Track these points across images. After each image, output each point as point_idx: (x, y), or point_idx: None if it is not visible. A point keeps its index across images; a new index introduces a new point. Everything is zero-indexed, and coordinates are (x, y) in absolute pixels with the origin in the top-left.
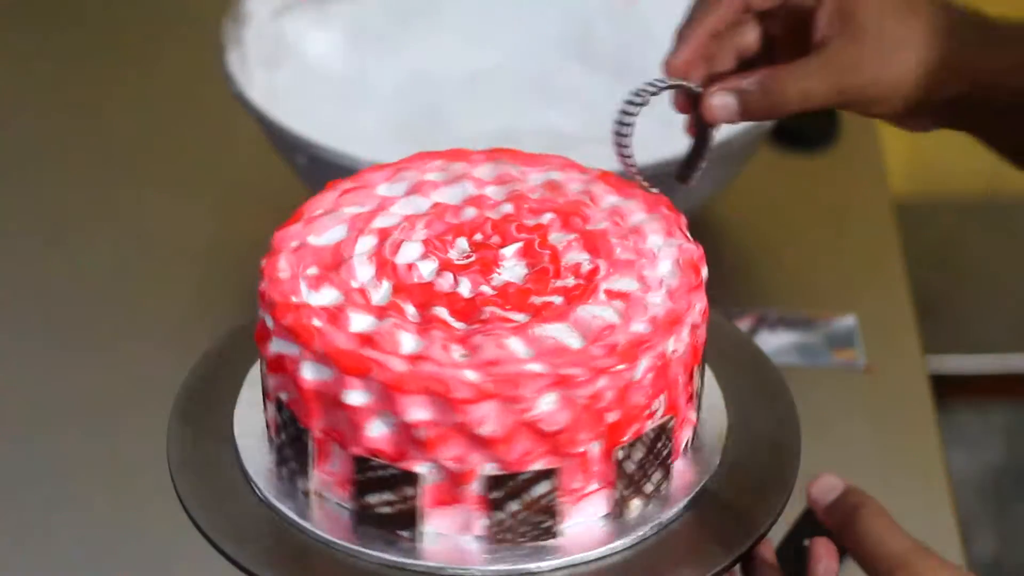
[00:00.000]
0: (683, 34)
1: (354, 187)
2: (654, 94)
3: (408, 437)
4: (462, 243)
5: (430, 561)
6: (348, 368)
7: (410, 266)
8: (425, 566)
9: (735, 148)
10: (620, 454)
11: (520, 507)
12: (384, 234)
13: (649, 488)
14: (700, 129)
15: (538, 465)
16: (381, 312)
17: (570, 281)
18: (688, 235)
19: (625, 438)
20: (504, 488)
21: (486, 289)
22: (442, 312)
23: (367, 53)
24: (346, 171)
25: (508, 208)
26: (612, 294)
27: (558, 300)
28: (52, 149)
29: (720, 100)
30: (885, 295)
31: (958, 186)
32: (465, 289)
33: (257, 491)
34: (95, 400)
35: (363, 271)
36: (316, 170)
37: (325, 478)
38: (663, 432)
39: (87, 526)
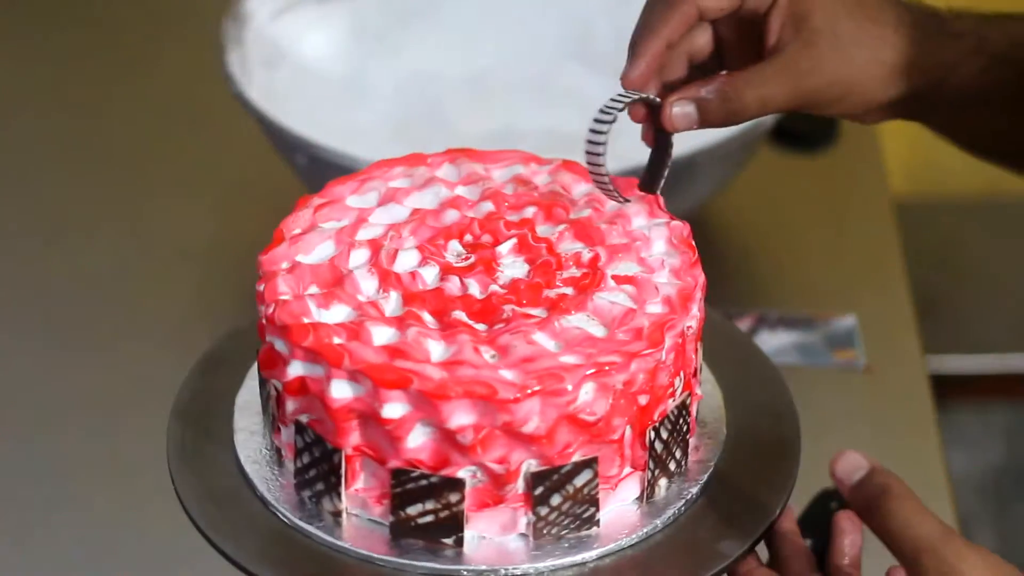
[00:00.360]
0: (638, 48)
1: (324, 202)
2: (621, 110)
3: (450, 443)
4: (455, 245)
5: (476, 565)
6: (385, 382)
7: (412, 274)
8: (472, 570)
9: (735, 148)
10: (651, 435)
11: (562, 499)
12: (375, 245)
13: (673, 466)
14: (659, 138)
15: (578, 456)
16: (400, 323)
17: (575, 271)
18: (670, 213)
19: (654, 419)
20: (547, 482)
21: (496, 288)
22: (461, 316)
23: (367, 53)
24: (346, 171)
25: (488, 206)
26: (620, 279)
27: (570, 291)
28: (52, 149)
29: (680, 109)
30: (885, 295)
31: (958, 186)
32: (476, 291)
33: (257, 491)
34: (95, 400)
35: (367, 284)
36: (316, 170)
37: (356, 496)
38: (683, 409)
39: (87, 526)
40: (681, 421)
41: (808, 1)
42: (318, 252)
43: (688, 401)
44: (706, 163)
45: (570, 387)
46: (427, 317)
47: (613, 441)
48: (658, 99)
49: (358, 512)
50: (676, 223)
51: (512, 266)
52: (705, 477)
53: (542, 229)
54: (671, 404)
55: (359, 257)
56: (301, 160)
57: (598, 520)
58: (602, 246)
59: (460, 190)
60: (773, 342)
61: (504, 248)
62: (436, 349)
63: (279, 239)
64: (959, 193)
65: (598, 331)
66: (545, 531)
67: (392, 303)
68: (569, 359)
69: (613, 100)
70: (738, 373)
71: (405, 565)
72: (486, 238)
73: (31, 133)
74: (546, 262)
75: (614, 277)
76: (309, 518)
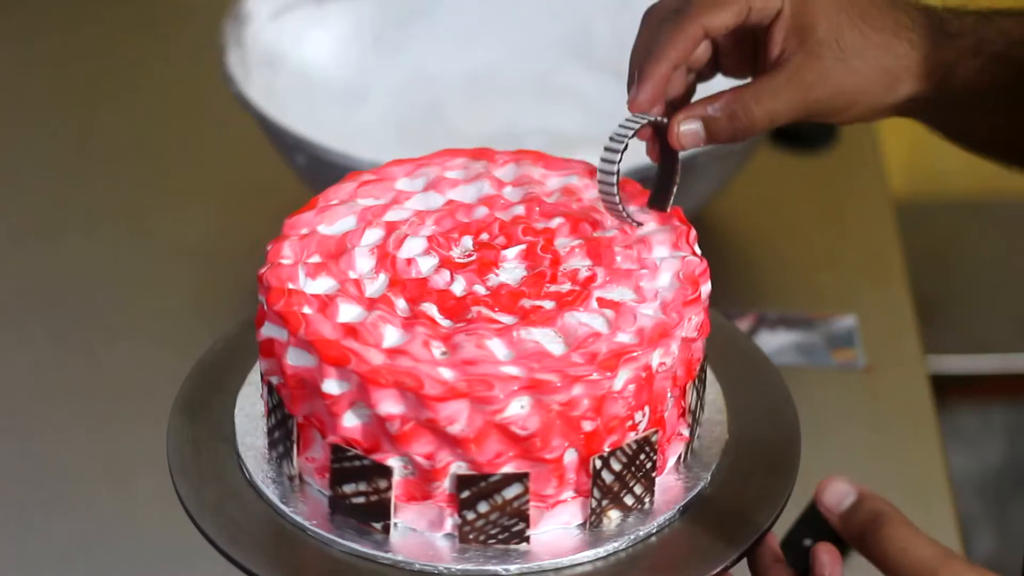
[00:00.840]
0: (645, 72)
1: (374, 179)
2: (631, 136)
3: (381, 430)
4: (467, 242)
5: (399, 555)
6: (327, 357)
7: (409, 261)
8: (393, 559)
9: (735, 148)
10: (598, 463)
11: (489, 508)
12: (391, 227)
13: (630, 500)
14: (666, 155)
15: (509, 468)
16: (371, 304)
17: (565, 287)
18: (696, 249)
19: (604, 448)
20: (474, 488)
21: (479, 289)
22: (431, 308)
23: (367, 53)
24: (346, 171)
25: (520, 210)
26: (604, 302)
27: (549, 305)
28: (52, 149)
29: (687, 128)
30: (885, 295)
31: (958, 186)
32: (459, 287)
33: (258, 491)
34: (94, 400)
35: (363, 262)
36: (316, 170)
37: (307, 464)
38: (646, 445)
39: (87, 526)
40: (643, 457)
41: (811, 13)
42: (339, 225)
43: (655, 438)
44: (706, 163)
45: (500, 396)
46: (400, 303)
47: (548, 460)
48: (664, 119)
49: (310, 481)
50: (692, 259)
51: (510, 271)
52: (668, 516)
53: (560, 242)
54: (631, 437)
55: (370, 236)
56: (301, 160)
57: (528, 537)
58: (606, 267)
59: (506, 190)
60: (773, 342)
61: (510, 253)
62: (391, 335)
63: (312, 205)
64: (959, 193)
65: (557, 348)
66: (471, 536)
67: (376, 285)
68: (510, 370)
69: (622, 127)
70: (738, 373)
71: (332, 540)
72: (500, 240)
73: (31, 133)
74: (541, 273)
75: (599, 299)
76: (284, 494)
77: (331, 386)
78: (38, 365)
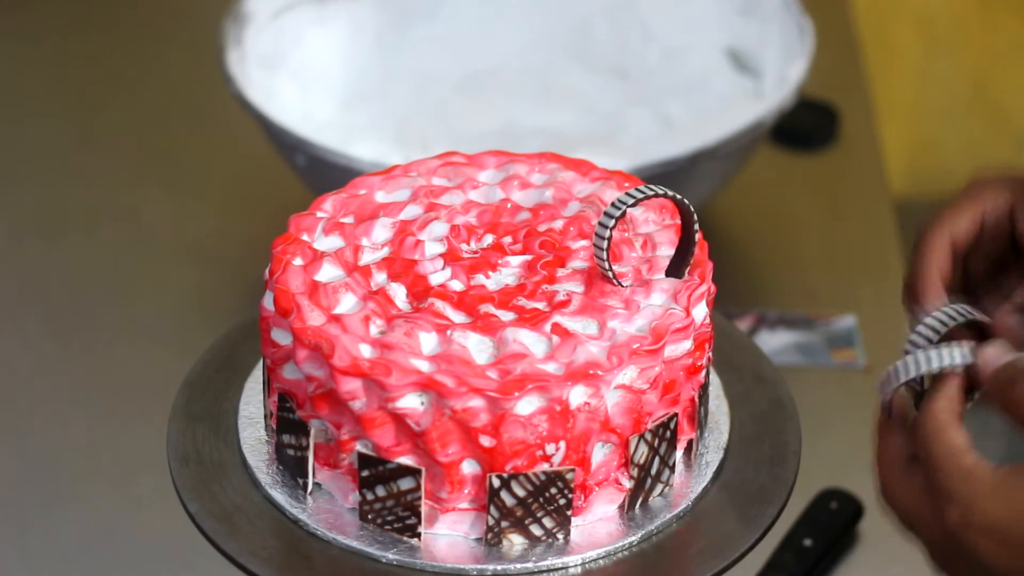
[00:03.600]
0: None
1: (463, 163)
2: (632, 205)
3: (302, 389)
4: (487, 240)
5: (307, 515)
6: (279, 307)
7: (418, 243)
8: (296, 516)
9: (735, 148)
10: (495, 482)
11: (386, 494)
12: (432, 208)
13: (537, 531)
14: (685, 229)
15: (405, 460)
16: (350, 270)
17: (535, 303)
18: (698, 308)
19: (505, 468)
20: (372, 470)
21: (456, 284)
22: (399, 289)
23: (367, 53)
24: (346, 171)
25: (558, 225)
26: (558, 328)
27: (507, 316)
28: (52, 149)
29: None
30: (885, 295)
31: (958, 186)
32: (439, 277)
33: (260, 490)
34: (94, 399)
35: (380, 232)
36: (316, 170)
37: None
38: (559, 480)
39: (87, 526)
40: (555, 491)
41: None
42: (396, 194)
43: (570, 477)
44: (706, 163)
45: (395, 385)
46: (379, 277)
47: (442, 463)
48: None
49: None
50: (675, 310)
51: (499, 276)
52: (572, 559)
53: (570, 264)
54: (541, 467)
55: (408, 212)
56: (301, 160)
57: (419, 533)
58: (587, 297)
59: (570, 206)
60: (773, 342)
61: (514, 260)
62: (347, 302)
63: (391, 170)
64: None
65: (481, 357)
66: (370, 516)
67: (374, 255)
68: (420, 364)
69: (622, 197)
70: (738, 373)
71: (333, 540)
72: (516, 246)
73: (31, 133)
74: (522, 286)
75: (555, 324)
76: (520, 559)
77: (279, 335)
78: (38, 365)
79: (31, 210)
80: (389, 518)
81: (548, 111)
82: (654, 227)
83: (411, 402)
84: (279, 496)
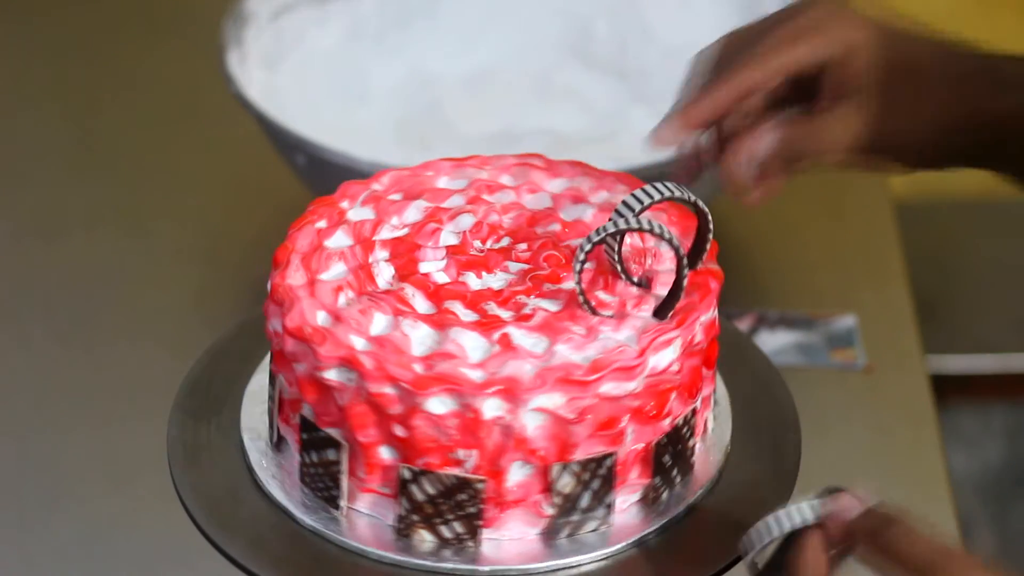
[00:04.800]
0: (679, 116)
1: (539, 166)
2: (600, 241)
3: (273, 339)
4: (504, 242)
5: (307, 515)
6: (275, 260)
7: (436, 231)
8: (296, 516)
9: None
10: (405, 474)
11: (317, 461)
12: (473, 202)
13: (447, 533)
14: (679, 273)
15: (332, 431)
16: (359, 240)
17: (499, 311)
18: (650, 345)
19: (416, 462)
20: (308, 434)
21: (439, 276)
22: (386, 269)
23: (367, 53)
24: (346, 171)
25: (577, 242)
26: (504, 339)
27: (467, 316)
28: (52, 149)
29: (739, 166)
30: (885, 295)
31: (958, 186)
32: (429, 267)
33: (262, 489)
34: (94, 399)
35: (411, 214)
36: (316, 170)
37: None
38: (469, 488)
39: (87, 526)
40: (464, 498)
41: (858, 63)
42: (440, 181)
43: (481, 487)
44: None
45: (323, 352)
46: (384, 269)
47: (360, 443)
48: (693, 200)
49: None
50: (626, 356)
51: (492, 280)
52: (476, 567)
53: (567, 282)
54: (451, 470)
55: (453, 201)
56: (301, 160)
57: (340, 506)
58: (555, 318)
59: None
60: (773, 342)
61: (513, 267)
62: (335, 270)
63: (432, 164)
64: (959, 193)
65: (419, 349)
66: (306, 479)
67: (383, 233)
68: (355, 340)
69: (598, 229)
70: (738, 373)
71: (335, 539)
72: (524, 254)
73: (31, 133)
74: (499, 291)
75: (504, 335)
76: (313, 513)
77: (273, 323)
78: (38, 365)
79: (31, 210)
80: (319, 485)
81: (548, 111)
82: (669, 265)
83: (338, 376)
84: (280, 496)
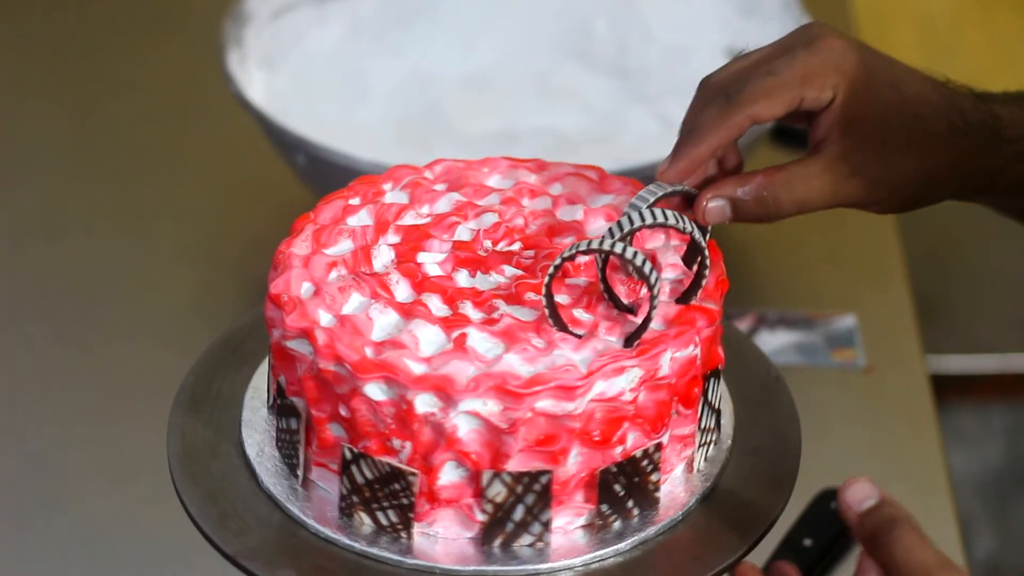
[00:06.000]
0: (680, 150)
1: (593, 179)
2: (563, 263)
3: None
4: (515, 246)
5: (306, 514)
6: (292, 228)
7: (453, 225)
8: (296, 515)
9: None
10: (347, 454)
11: (284, 427)
12: (507, 203)
13: (383, 520)
14: (693, 250)
15: (293, 400)
16: (378, 223)
17: (471, 312)
18: (600, 369)
19: (358, 445)
20: (279, 400)
21: (431, 268)
22: (386, 253)
23: (367, 53)
24: (346, 171)
25: (584, 259)
26: (460, 339)
27: (439, 311)
28: (52, 148)
29: (714, 204)
30: (885, 295)
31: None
32: (425, 257)
33: (263, 489)
34: (94, 399)
35: (442, 205)
36: (316, 170)
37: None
38: (402, 478)
39: (87, 526)
40: (397, 487)
41: (861, 106)
42: (503, 183)
43: (413, 480)
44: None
45: (289, 322)
46: (383, 248)
47: (314, 417)
48: (692, 189)
49: (315, 480)
50: (568, 376)
51: (481, 278)
52: (403, 560)
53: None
54: (388, 459)
55: (489, 199)
56: (301, 160)
57: (298, 475)
58: (520, 326)
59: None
60: (773, 342)
61: (508, 271)
62: (343, 244)
63: (499, 159)
64: None
65: (379, 335)
66: (279, 445)
67: (387, 243)
68: (321, 316)
69: (565, 252)
70: (738, 373)
71: (337, 540)
72: (526, 261)
73: (31, 132)
74: (479, 292)
75: (462, 335)
76: (370, 542)
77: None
78: (38, 365)
79: (31, 210)
80: (285, 452)
81: (548, 111)
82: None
83: (298, 347)
84: (280, 495)
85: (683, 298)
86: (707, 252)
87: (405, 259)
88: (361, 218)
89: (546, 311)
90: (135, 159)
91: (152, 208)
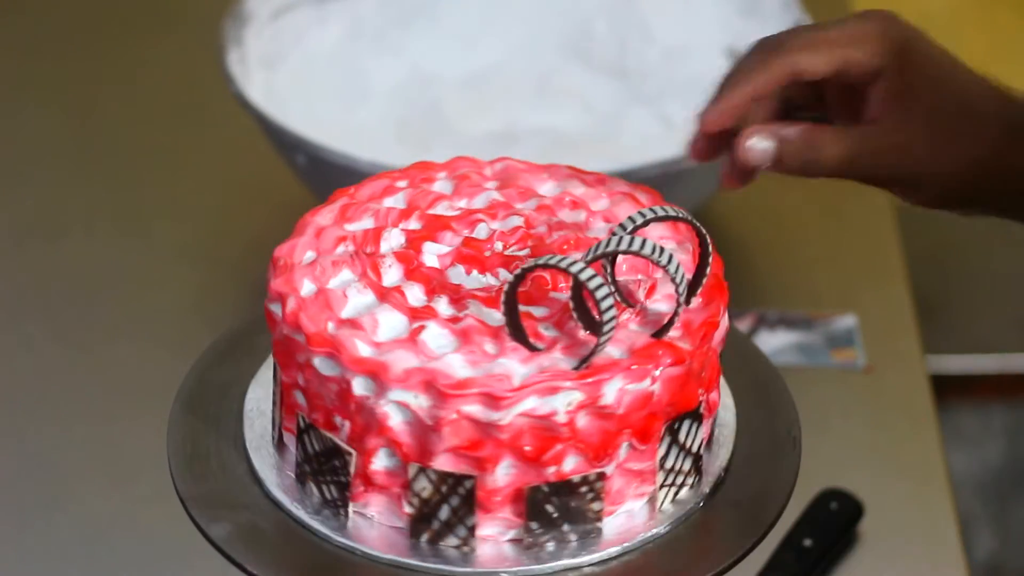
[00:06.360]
0: (720, 95)
1: (623, 191)
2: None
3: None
4: (523, 252)
5: (308, 515)
6: (299, 222)
7: (476, 223)
8: (298, 516)
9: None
10: (301, 423)
11: (273, 388)
12: (541, 210)
13: (327, 494)
14: (702, 258)
15: (276, 362)
16: (385, 217)
17: (443, 307)
18: (532, 385)
19: (311, 416)
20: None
21: (428, 259)
22: (396, 238)
23: (367, 52)
24: (346, 171)
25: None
26: (417, 330)
27: (415, 300)
28: (52, 148)
29: (760, 143)
30: (885, 295)
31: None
32: (429, 247)
33: (263, 488)
34: (94, 399)
35: (480, 201)
36: (316, 170)
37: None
38: (339, 456)
39: (87, 526)
40: (337, 463)
41: (914, 83)
42: (545, 187)
43: (351, 460)
44: (706, 163)
45: (273, 287)
46: (397, 236)
47: (283, 383)
48: (687, 215)
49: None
50: (501, 377)
51: (474, 276)
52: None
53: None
54: (330, 434)
55: (525, 205)
56: (301, 160)
57: (274, 439)
58: (479, 329)
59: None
60: (773, 342)
61: (502, 273)
62: (365, 222)
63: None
64: None
65: (347, 312)
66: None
67: (398, 230)
68: (302, 285)
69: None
70: (738, 374)
71: (337, 540)
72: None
73: (31, 132)
74: (460, 288)
75: (421, 328)
76: (314, 513)
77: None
78: (38, 365)
79: (31, 210)
80: (272, 413)
81: (548, 111)
82: (635, 326)
83: (276, 310)
84: (281, 496)
85: (659, 332)
86: (683, 289)
87: (411, 246)
88: (397, 200)
89: (504, 319)
90: (135, 159)
91: (152, 208)
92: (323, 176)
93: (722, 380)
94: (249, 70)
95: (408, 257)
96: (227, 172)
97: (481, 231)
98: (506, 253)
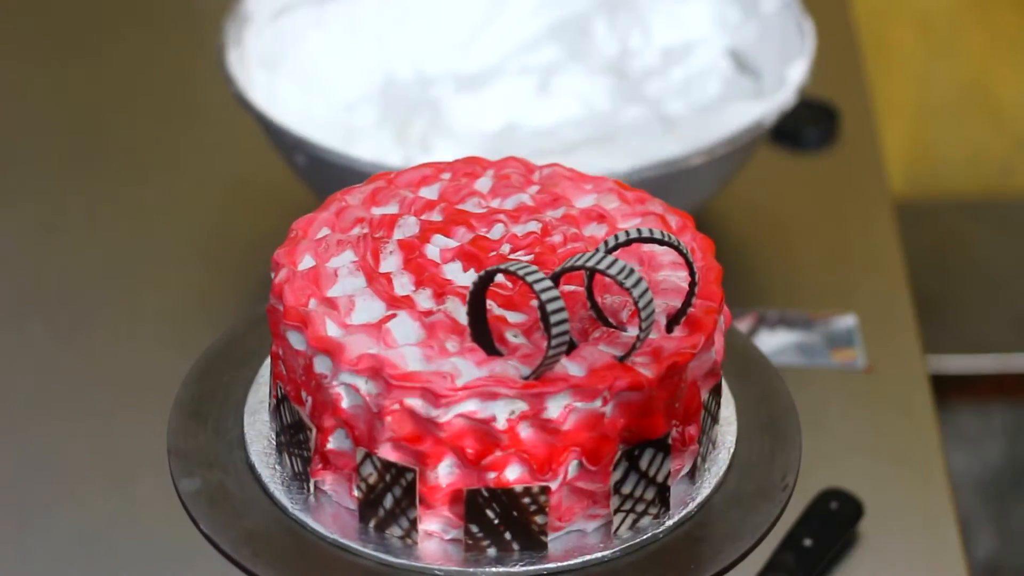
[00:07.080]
0: None
1: (656, 211)
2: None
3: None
4: (527, 258)
5: (308, 515)
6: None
7: (495, 223)
8: (298, 516)
9: (735, 148)
10: (278, 392)
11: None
12: (567, 221)
13: (295, 467)
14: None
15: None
16: (407, 205)
17: (430, 303)
18: (479, 390)
19: (285, 389)
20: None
21: (430, 250)
22: (407, 229)
23: (367, 53)
24: (346, 171)
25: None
26: (388, 318)
27: (401, 291)
28: (52, 148)
29: None
30: (885, 295)
31: (958, 186)
32: (435, 239)
33: (263, 488)
34: (95, 400)
35: (500, 200)
36: (316, 170)
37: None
38: (303, 430)
39: (87, 526)
40: (301, 438)
41: None
42: (583, 200)
43: (310, 436)
44: (706, 163)
45: (274, 255)
46: (412, 225)
47: (272, 351)
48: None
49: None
50: (451, 376)
51: (468, 276)
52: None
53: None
54: (295, 407)
55: (551, 212)
56: (301, 160)
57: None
58: (447, 327)
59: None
60: (773, 342)
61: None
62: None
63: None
64: (959, 193)
65: (346, 284)
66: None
67: (408, 227)
68: (301, 262)
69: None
70: (738, 374)
71: (337, 540)
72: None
73: (31, 132)
74: (449, 283)
75: (402, 315)
76: (285, 484)
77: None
78: (38, 365)
79: (31, 208)
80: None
81: (548, 111)
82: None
83: (276, 280)
84: (281, 495)
85: (624, 356)
86: (645, 315)
87: (422, 237)
88: (431, 191)
89: (468, 319)
90: (135, 159)
91: (152, 208)
92: (323, 176)
93: (722, 380)
94: (249, 70)
95: (412, 247)
96: (227, 172)
97: (496, 231)
98: (510, 257)
